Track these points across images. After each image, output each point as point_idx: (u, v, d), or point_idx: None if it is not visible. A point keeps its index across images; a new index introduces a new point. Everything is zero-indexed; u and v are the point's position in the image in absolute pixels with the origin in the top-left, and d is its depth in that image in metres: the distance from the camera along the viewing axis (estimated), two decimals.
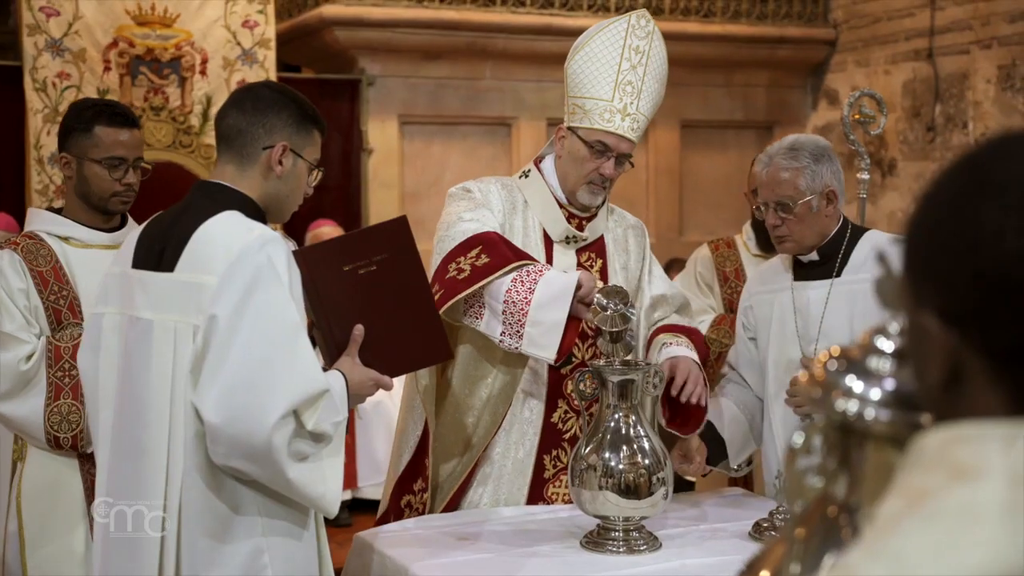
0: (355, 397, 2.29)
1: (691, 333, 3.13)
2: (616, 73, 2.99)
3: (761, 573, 0.90)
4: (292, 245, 2.28)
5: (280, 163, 2.32)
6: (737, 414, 3.10)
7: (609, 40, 3.02)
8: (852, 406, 0.89)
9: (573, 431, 3.03)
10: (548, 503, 3.01)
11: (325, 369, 2.26)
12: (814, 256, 2.99)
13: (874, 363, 0.91)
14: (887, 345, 0.92)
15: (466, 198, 3.01)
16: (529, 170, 3.14)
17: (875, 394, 0.90)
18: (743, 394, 3.15)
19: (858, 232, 3.01)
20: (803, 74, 8.70)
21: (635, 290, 3.15)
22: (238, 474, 2.18)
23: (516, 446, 3.01)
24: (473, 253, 2.79)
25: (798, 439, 0.90)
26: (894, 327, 0.91)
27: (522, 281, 2.75)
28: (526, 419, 3.01)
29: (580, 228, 3.09)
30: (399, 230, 2.39)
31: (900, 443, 0.88)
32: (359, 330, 2.32)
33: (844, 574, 0.75)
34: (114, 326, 2.31)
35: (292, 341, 2.13)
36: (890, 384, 0.90)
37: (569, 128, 3.03)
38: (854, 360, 0.92)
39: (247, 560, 2.20)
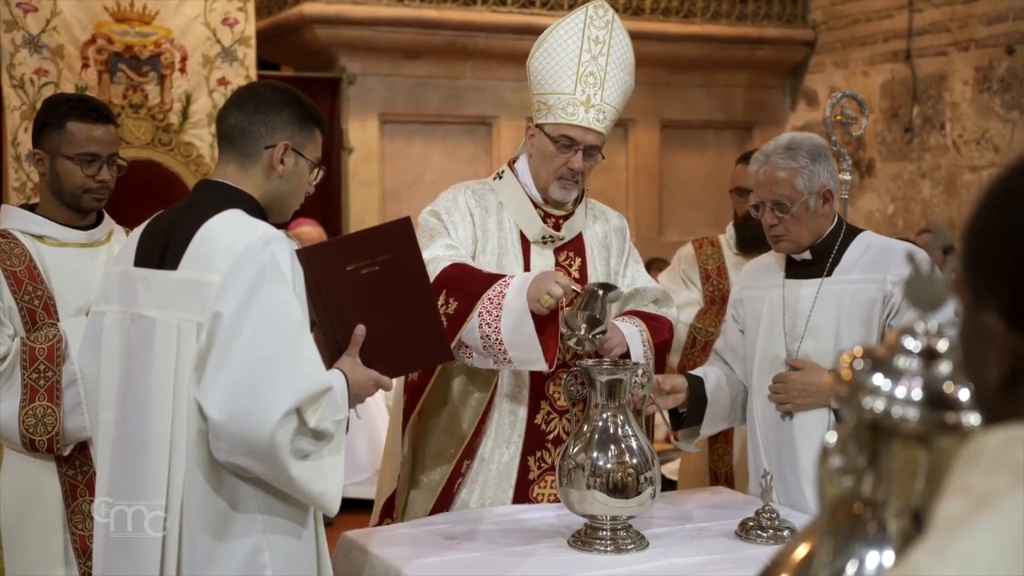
0: (355, 397, 2.29)
1: (650, 318, 3.12)
2: (577, 65, 2.98)
3: (783, 575, 0.90)
4: (296, 244, 2.27)
5: (282, 162, 2.32)
6: (723, 384, 3.10)
7: (568, 33, 3.01)
8: (880, 404, 0.88)
9: (556, 432, 3.03)
10: (534, 503, 3.01)
11: (326, 368, 2.26)
12: (807, 255, 2.99)
13: (901, 362, 0.91)
14: (914, 344, 0.92)
15: (426, 228, 3.00)
16: (503, 172, 3.13)
17: (902, 392, 0.90)
18: (730, 373, 3.15)
19: (852, 233, 3.01)
20: (782, 75, 8.74)
21: None
22: (240, 471, 2.17)
23: (500, 449, 3.01)
24: (441, 300, 2.81)
25: (831, 438, 0.90)
26: (920, 326, 0.91)
27: (488, 312, 2.80)
28: (509, 423, 3.01)
29: (557, 227, 3.08)
30: (403, 231, 2.39)
31: (926, 441, 0.88)
32: (360, 330, 2.31)
33: (910, 574, 0.74)
34: (115, 324, 2.30)
35: (295, 339, 2.13)
36: (917, 383, 0.90)
37: (537, 126, 3.03)
38: (880, 359, 0.92)
39: (247, 558, 2.19)
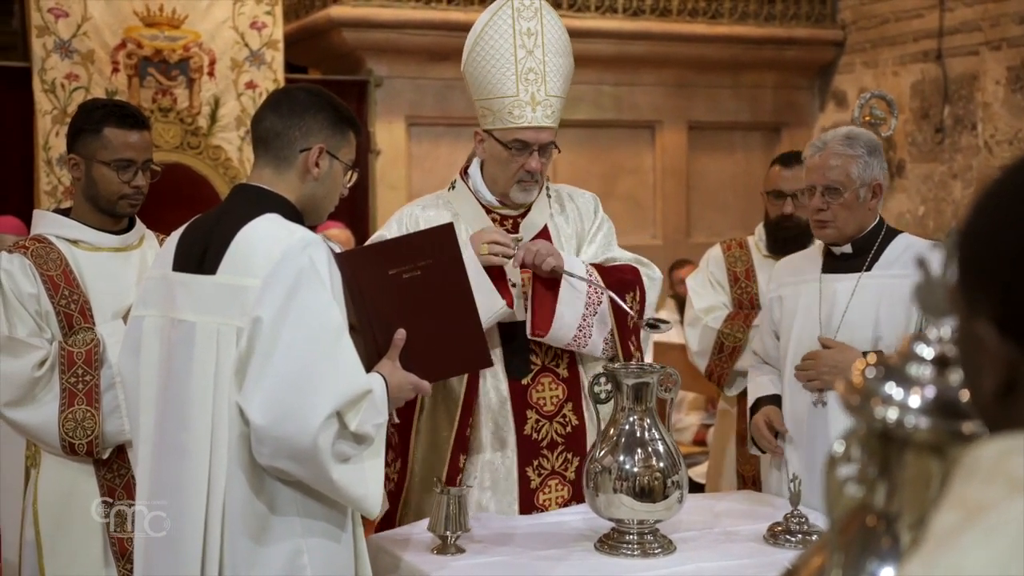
0: (394, 400, 2.30)
1: (605, 264, 3.06)
2: (515, 64, 2.92)
3: None
4: (335, 247, 2.29)
5: (317, 165, 2.33)
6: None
7: (498, 32, 2.94)
8: (892, 413, 0.86)
9: (549, 437, 3.01)
10: (542, 510, 2.99)
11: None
12: (847, 248, 3.01)
13: (914, 370, 0.89)
14: (927, 352, 0.90)
15: None
16: (455, 182, 3.09)
17: (915, 401, 0.88)
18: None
19: (893, 232, 3.04)
20: (811, 75, 8.68)
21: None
22: (282, 475, 2.19)
23: (496, 466, 2.98)
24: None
25: (838, 447, 0.88)
26: (934, 333, 0.89)
27: None
28: (501, 439, 2.98)
29: (515, 228, 3.04)
30: (445, 236, 2.41)
31: (940, 451, 0.86)
32: (401, 334, 2.32)
33: None
34: (155, 329, 2.32)
35: (335, 342, 2.15)
36: (930, 391, 0.88)
37: (485, 131, 2.98)
38: (893, 367, 0.90)
39: (287, 561, 2.21)
